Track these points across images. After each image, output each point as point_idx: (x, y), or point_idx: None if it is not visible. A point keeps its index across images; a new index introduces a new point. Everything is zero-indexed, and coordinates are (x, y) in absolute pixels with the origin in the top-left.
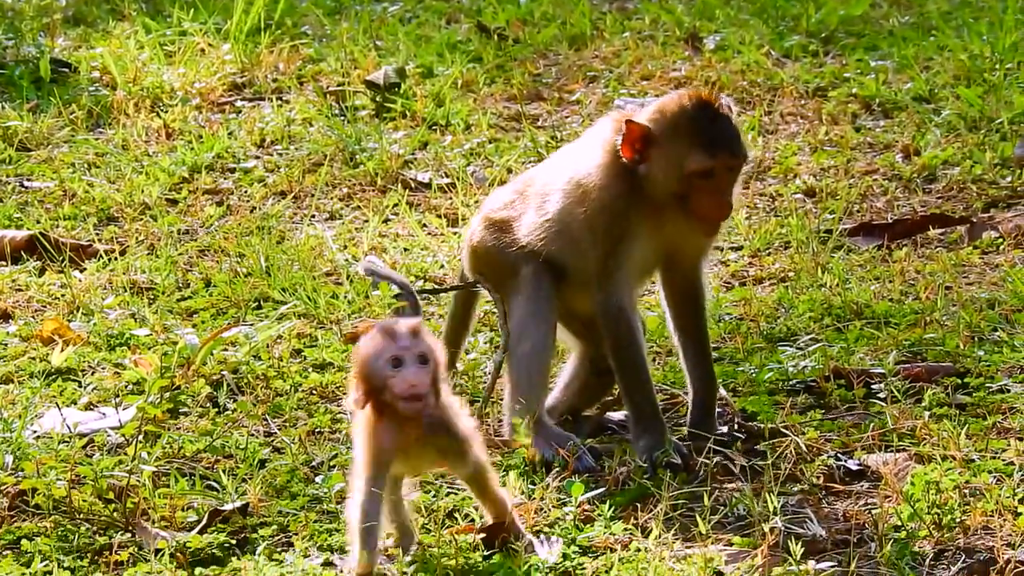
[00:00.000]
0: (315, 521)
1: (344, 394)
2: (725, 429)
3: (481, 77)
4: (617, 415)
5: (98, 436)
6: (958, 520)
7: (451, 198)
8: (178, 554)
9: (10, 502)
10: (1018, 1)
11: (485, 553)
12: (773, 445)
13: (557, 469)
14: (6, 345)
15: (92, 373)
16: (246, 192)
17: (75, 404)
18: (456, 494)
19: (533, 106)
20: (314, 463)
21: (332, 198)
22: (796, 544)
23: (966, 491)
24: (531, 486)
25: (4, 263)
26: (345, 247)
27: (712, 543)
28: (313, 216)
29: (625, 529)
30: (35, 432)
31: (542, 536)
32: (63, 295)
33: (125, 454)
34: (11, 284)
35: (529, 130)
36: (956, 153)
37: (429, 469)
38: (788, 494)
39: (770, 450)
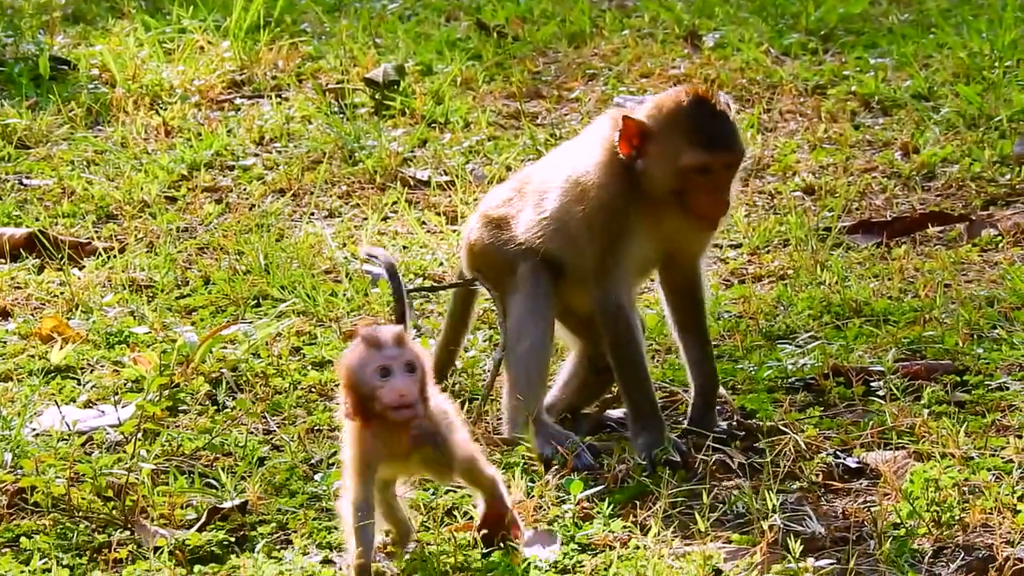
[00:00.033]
0: (314, 519)
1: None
2: (725, 425)
3: (480, 75)
4: (616, 413)
5: (97, 434)
6: (957, 518)
7: (450, 196)
8: (177, 552)
9: (9, 500)
10: None
11: (483, 551)
12: (772, 443)
13: (556, 467)
14: (5, 343)
15: (91, 371)
16: (245, 190)
17: (74, 402)
18: (455, 492)
19: (532, 104)
20: (313, 461)
21: (331, 196)
22: (795, 542)
23: (965, 489)
24: (530, 484)
25: (3, 261)
26: (344, 245)
27: (711, 541)
28: (312, 214)
29: (624, 527)
30: (34, 430)
31: (540, 532)
32: (62, 293)
33: (124, 452)
34: (10, 282)
35: (528, 128)
36: (955, 151)
37: (416, 475)
38: (787, 492)
39: (769, 448)
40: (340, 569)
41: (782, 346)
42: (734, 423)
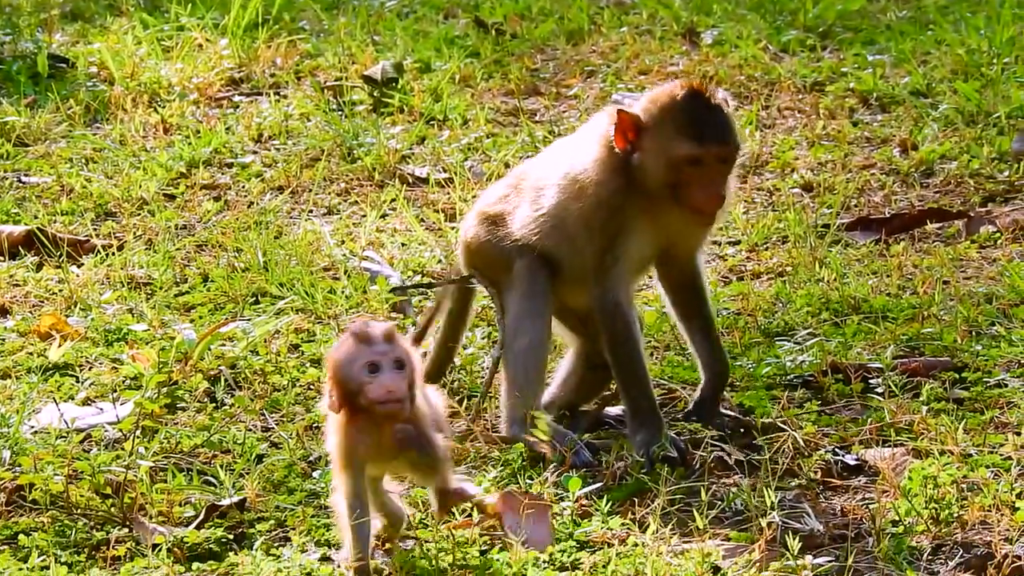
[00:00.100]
0: (312, 516)
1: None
2: (730, 414)
3: (479, 72)
4: (615, 410)
5: (95, 431)
6: (956, 515)
7: (449, 193)
8: (175, 549)
9: (7, 497)
10: None
11: (482, 548)
12: (770, 440)
13: (555, 464)
14: (3, 340)
15: (89, 368)
16: (244, 187)
17: (72, 399)
18: None
19: (531, 101)
20: (311, 458)
21: (330, 193)
22: (793, 539)
23: (964, 486)
24: (529, 481)
25: (2, 258)
26: (343, 242)
27: (709, 538)
28: (311, 211)
29: (622, 524)
30: (32, 427)
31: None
32: (60, 290)
33: (122, 449)
34: (9, 279)
35: (527, 125)
36: (954, 147)
37: (402, 473)
38: (785, 489)
39: (767, 445)
40: (338, 567)
41: (780, 343)
42: (729, 415)
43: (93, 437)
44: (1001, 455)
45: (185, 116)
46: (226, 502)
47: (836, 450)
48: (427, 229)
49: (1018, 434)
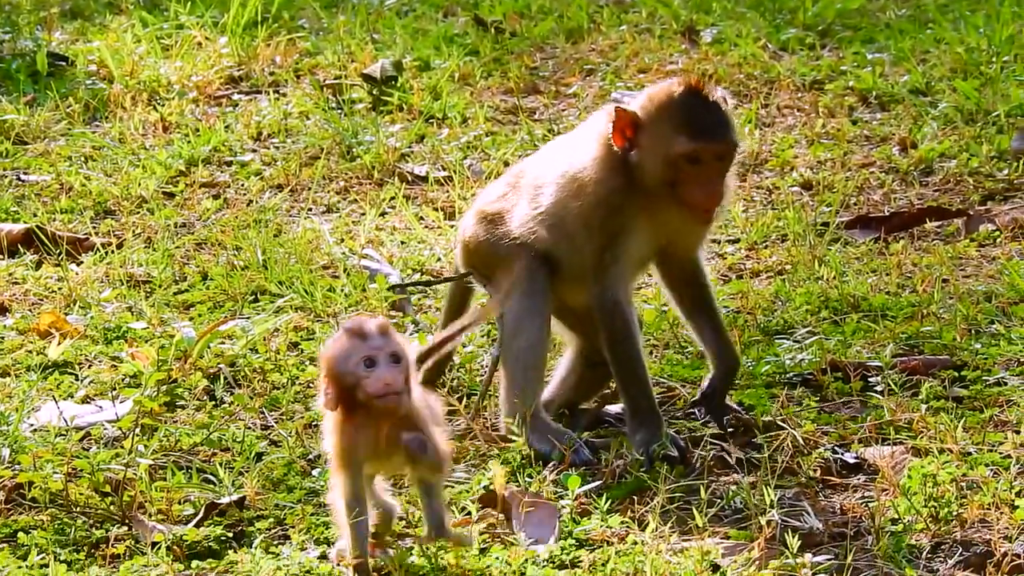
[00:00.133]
0: (312, 514)
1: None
2: (736, 407)
3: (478, 70)
4: (614, 408)
5: (95, 429)
6: (955, 513)
7: (448, 191)
8: (175, 547)
9: (7, 495)
10: None
11: (481, 546)
12: (770, 438)
13: (554, 463)
14: (3, 338)
15: (89, 366)
16: (243, 185)
17: (72, 397)
18: (451, 487)
19: (530, 99)
20: (311, 456)
21: (329, 191)
22: (793, 537)
23: (963, 484)
24: (528, 479)
25: (1, 256)
26: (342, 240)
27: (709, 536)
28: (310, 209)
29: (622, 522)
30: (32, 425)
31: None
32: (60, 288)
33: (122, 447)
34: (8, 277)
35: (526, 123)
36: (953, 146)
37: (399, 471)
38: (785, 487)
39: (767, 443)
40: (336, 565)
41: (780, 341)
42: (733, 417)
43: (92, 435)
44: (1000, 453)
45: (184, 114)
46: (225, 500)
47: (835, 448)
48: (426, 227)
49: (1017, 432)
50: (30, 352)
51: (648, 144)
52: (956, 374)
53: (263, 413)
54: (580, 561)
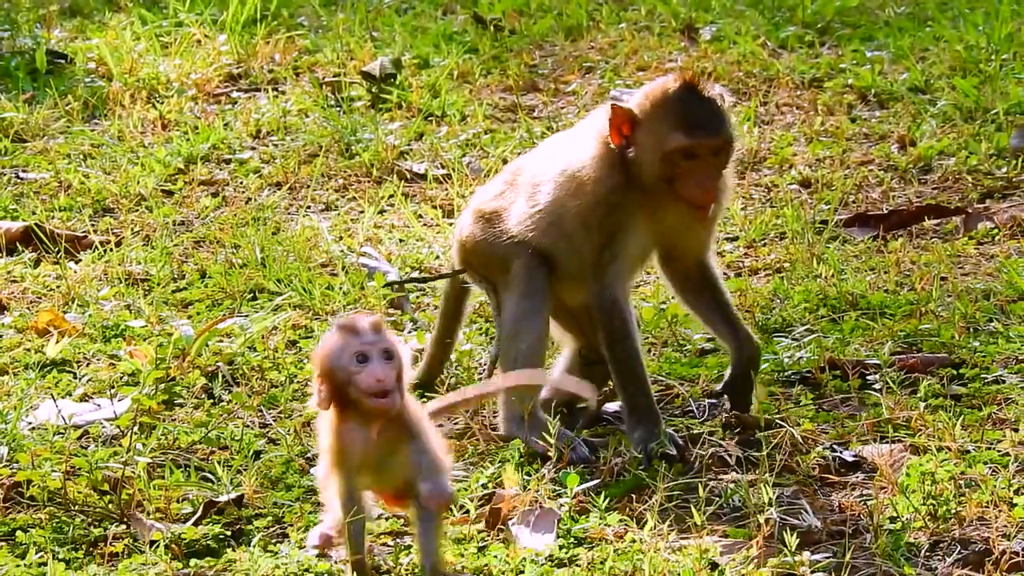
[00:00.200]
0: (310, 512)
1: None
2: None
3: (477, 68)
4: (612, 406)
5: (93, 427)
6: (953, 511)
7: (447, 189)
8: (173, 546)
9: (5, 494)
10: None
11: (479, 544)
12: (768, 436)
13: (552, 461)
14: (1, 336)
15: (87, 364)
16: (242, 183)
17: (70, 395)
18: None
19: (529, 97)
20: (309, 454)
21: (328, 189)
22: (791, 535)
23: (961, 482)
24: (526, 478)
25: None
26: (341, 238)
27: (707, 534)
28: (309, 207)
29: (620, 520)
30: (30, 424)
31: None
32: (58, 286)
33: (120, 445)
34: (7, 275)
35: (525, 121)
36: (952, 144)
37: (395, 479)
38: (783, 485)
39: (765, 441)
40: (335, 563)
41: (778, 339)
42: (731, 417)
43: (91, 433)
44: (999, 451)
45: (183, 112)
46: (224, 498)
47: (834, 446)
48: (425, 225)
49: (1016, 430)
50: (28, 350)
51: (645, 141)
52: (954, 372)
53: (261, 411)
54: (578, 559)
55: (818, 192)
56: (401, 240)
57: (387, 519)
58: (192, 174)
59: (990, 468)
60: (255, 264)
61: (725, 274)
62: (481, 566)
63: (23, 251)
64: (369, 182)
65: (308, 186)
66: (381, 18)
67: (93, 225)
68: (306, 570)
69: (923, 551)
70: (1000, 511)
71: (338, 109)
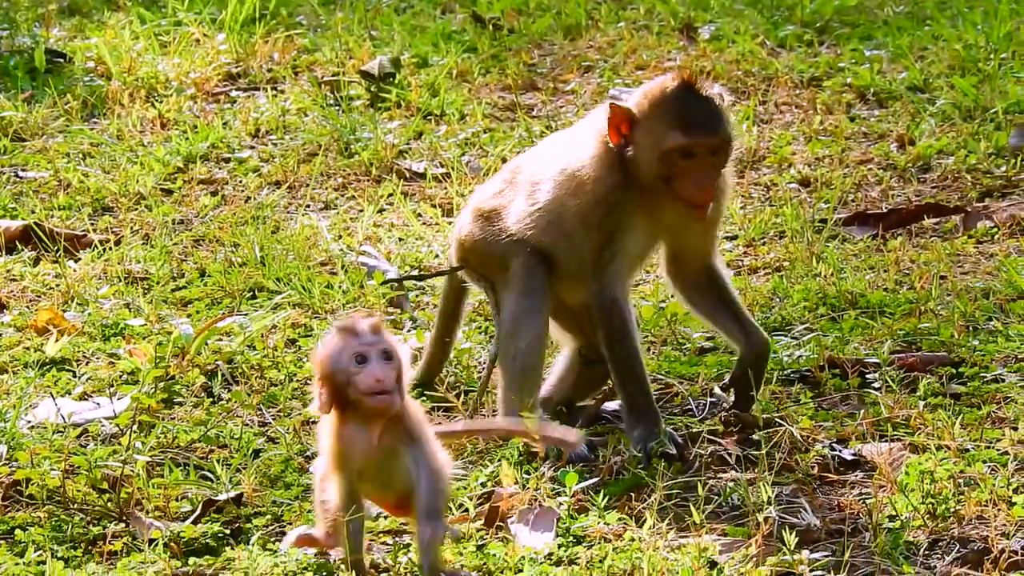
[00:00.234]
0: (309, 511)
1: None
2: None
3: (476, 67)
4: (612, 405)
5: (92, 426)
6: (952, 510)
7: (446, 188)
8: (172, 544)
9: (4, 492)
10: None
11: (478, 543)
12: (768, 435)
13: (551, 459)
14: (1, 335)
15: (86, 363)
16: (241, 182)
17: (69, 394)
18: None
19: (528, 96)
20: (308, 453)
21: (327, 188)
22: (790, 534)
23: (960, 481)
24: (525, 476)
25: None
26: (340, 237)
27: (706, 533)
28: (308, 206)
29: (619, 519)
30: (29, 422)
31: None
32: (58, 285)
33: (119, 444)
34: (6, 274)
35: (524, 120)
36: (951, 143)
37: (394, 488)
38: (782, 484)
39: (765, 440)
40: (334, 561)
41: (778, 338)
42: (731, 416)
43: (90, 432)
44: (998, 450)
45: (182, 111)
46: (223, 497)
47: (833, 445)
48: (424, 224)
49: (1015, 429)
50: (28, 349)
51: (643, 140)
52: (954, 371)
53: (260, 410)
54: (577, 558)
55: (817, 191)
56: (400, 239)
57: (386, 518)
58: (191, 173)
59: (989, 467)
60: (254, 263)
61: None
62: (480, 564)
63: (22, 250)
64: (368, 181)
65: (307, 185)
66: (380, 17)
67: (92, 224)
68: (305, 568)
69: (922, 550)
70: (999, 510)
71: (337, 108)
